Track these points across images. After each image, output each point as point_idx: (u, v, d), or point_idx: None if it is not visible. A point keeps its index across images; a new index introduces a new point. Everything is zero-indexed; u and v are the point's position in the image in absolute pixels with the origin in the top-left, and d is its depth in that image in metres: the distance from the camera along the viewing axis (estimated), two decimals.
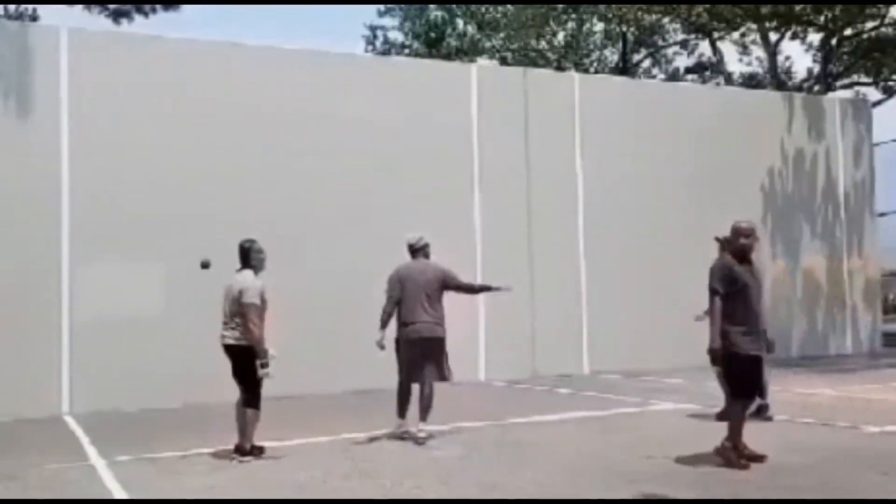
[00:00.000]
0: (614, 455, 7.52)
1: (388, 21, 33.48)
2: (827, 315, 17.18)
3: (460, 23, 32.15)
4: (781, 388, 11.90)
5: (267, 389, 11.94)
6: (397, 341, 8.56)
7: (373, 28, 33.69)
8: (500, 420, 9.50)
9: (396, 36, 33.42)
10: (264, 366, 7.48)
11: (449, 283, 8.64)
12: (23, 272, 11.06)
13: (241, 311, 7.53)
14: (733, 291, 6.92)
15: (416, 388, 8.48)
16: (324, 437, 8.52)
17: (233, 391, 11.57)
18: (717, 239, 9.52)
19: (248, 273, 7.72)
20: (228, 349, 7.69)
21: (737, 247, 7.10)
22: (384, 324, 8.56)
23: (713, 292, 7.00)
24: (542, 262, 14.29)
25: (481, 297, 13.72)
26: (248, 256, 7.79)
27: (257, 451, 7.62)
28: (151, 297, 11.67)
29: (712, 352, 6.96)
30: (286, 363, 11.74)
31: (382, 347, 8.49)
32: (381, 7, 33.10)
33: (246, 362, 7.58)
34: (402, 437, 8.35)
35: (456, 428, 8.96)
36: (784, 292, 16.64)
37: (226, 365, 11.67)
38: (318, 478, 6.81)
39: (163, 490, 6.54)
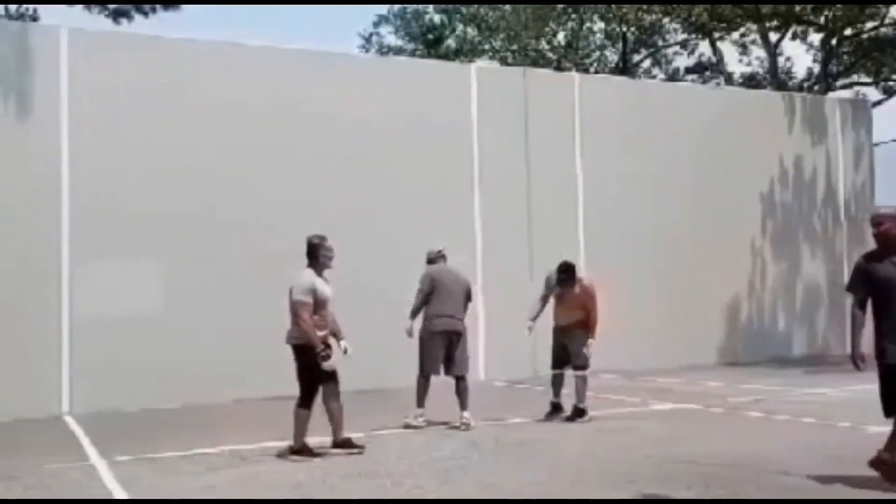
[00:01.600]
0: (614, 455, 7.52)
1: (382, 29, 33.60)
2: (827, 315, 17.17)
3: (459, 25, 32.16)
4: (783, 388, 11.92)
5: (265, 390, 11.96)
6: (423, 336, 9.12)
7: (367, 37, 33.74)
8: (500, 420, 9.50)
9: (392, 40, 33.46)
10: (324, 358, 7.40)
11: (469, 297, 9.49)
12: (23, 272, 11.05)
13: (290, 309, 7.53)
14: (876, 291, 6.18)
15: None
16: (324, 437, 8.51)
17: (232, 391, 11.63)
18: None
19: (307, 271, 7.63)
20: (292, 348, 7.68)
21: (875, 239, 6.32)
22: (413, 315, 9.23)
23: (850, 293, 6.41)
24: (542, 261, 14.24)
25: (481, 296, 13.78)
26: (313, 253, 7.69)
27: (308, 451, 7.59)
28: (151, 297, 11.67)
29: (851, 360, 6.40)
30: (286, 363, 11.81)
31: (410, 335, 9.17)
32: (376, 16, 33.26)
33: (298, 360, 7.58)
34: (417, 426, 8.89)
35: (456, 428, 8.96)
36: (784, 292, 16.65)
37: (225, 364, 11.74)
38: (318, 478, 6.81)
39: (163, 490, 6.53)
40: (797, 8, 23.36)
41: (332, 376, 7.59)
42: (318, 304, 7.52)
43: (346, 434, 7.78)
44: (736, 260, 16.14)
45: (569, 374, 9.61)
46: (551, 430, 8.97)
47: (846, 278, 19.01)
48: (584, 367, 9.49)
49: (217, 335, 11.83)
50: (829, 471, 6.69)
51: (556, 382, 9.65)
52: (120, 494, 6.46)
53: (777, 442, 7.97)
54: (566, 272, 9.53)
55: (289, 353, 12.19)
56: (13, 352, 10.87)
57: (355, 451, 7.65)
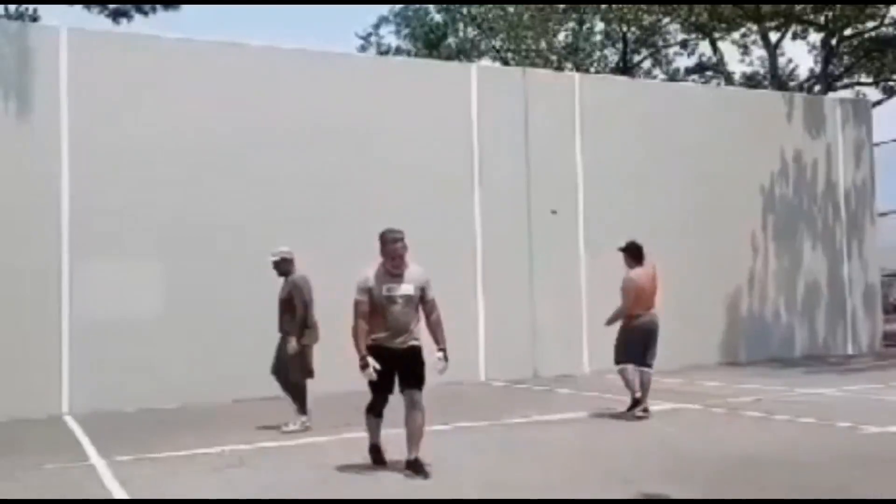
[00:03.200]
0: (614, 455, 7.52)
1: (382, 30, 33.64)
2: (828, 315, 17.16)
3: (460, 25, 32.18)
4: (783, 388, 11.91)
5: (265, 390, 11.96)
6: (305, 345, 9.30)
7: (366, 36, 33.72)
8: (500, 420, 9.50)
9: (392, 40, 33.48)
10: (361, 367, 6.55)
11: None
12: (23, 272, 11.05)
13: None
14: None
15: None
16: (322, 438, 8.52)
17: (232, 391, 11.62)
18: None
19: (372, 266, 6.81)
20: None
21: None
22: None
23: None
24: (542, 261, 14.28)
25: (481, 296, 13.79)
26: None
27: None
28: (151, 297, 11.66)
29: None
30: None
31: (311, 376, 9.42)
32: (377, 17, 33.30)
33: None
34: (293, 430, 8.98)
35: (456, 428, 8.96)
36: (784, 294, 16.64)
37: (225, 364, 11.73)
38: (319, 478, 6.80)
39: (163, 490, 6.53)
40: (797, 8, 23.36)
41: (372, 386, 6.81)
42: (377, 305, 6.68)
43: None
44: (736, 260, 16.14)
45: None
46: (551, 430, 8.97)
47: (846, 279, 19.05)
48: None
49: (217, 335, 11.83)
50: (828, 471, 6.69)
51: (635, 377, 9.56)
52: (120, 494, 6.46)
53: (777, 442, 7.97)
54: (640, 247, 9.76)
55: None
56: (13, 352, 10.88)
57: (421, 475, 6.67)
